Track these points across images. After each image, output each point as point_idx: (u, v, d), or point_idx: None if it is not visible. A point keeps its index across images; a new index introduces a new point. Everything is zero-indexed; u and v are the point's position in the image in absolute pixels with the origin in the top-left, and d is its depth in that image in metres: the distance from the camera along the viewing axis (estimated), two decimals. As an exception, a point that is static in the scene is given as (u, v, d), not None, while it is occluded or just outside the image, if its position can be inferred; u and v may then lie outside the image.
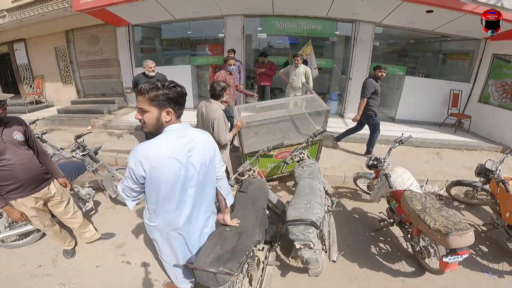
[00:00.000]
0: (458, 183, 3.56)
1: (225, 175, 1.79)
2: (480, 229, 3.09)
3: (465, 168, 4.65)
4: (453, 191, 3.74)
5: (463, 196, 3.67)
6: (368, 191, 3.74)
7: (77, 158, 3.25)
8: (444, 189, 3.90)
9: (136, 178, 1.37)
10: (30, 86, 10.08)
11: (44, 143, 3.73)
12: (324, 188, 2.80)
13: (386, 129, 6.11)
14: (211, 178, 1.62)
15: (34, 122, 4.12)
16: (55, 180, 2.38)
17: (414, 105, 6.79)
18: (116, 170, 3.41)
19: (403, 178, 2.66)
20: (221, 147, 2.99)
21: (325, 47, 7.65)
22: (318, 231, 2.00)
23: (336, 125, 6.31)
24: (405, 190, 2.57)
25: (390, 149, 3.05)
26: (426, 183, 4.17)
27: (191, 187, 1.48)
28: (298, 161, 3.07)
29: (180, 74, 7.19)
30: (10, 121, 2.06)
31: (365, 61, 6.63)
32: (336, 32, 6.74)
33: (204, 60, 7.64)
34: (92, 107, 8.03)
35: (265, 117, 4.19)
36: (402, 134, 3.20)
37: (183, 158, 1.40)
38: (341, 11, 6.03)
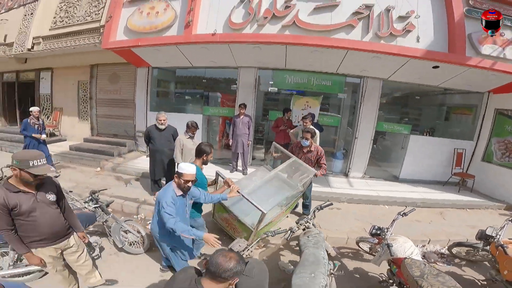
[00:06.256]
0: (460, 244, 3.77)
1: None
2: (480, 283, 3.41)
3: (468, 228, 4.69)
4: (455, 250, 3.88)
5: (464, 254, 3.86)
6: (370, 252, 3.80)
7: (89, 210, 3.42)
8: (446, 248, 4.04)
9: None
10: (47, 118, 9.96)
11: None
12: (327, 251, 2.92)
13: (390, 189, 6.18)
14: None
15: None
16: (75, 233, 2.53)
17: (418, 164, 6.85)
18: (125, 221, 3.46)
19: (404, 248, 2.81)
20: None
21: (332, 105, 7.67)
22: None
23: (340, 185, 6.24)
24: (406, 257, 2.70)
25: (394, 220, 3.16)
26: (428, 243, 4.26)
27: None
28: (304, 229, 3.18)
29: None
30: (46, 183, 2.24)
31: (372, 119, 6.64)
32: (344, 89, 6.88)
33: (215, 111, 7.62)
34: (103, 147, 7.97)
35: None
36: (406, 207, 3.61)
37: None
38: (351, 67, 6.15)
